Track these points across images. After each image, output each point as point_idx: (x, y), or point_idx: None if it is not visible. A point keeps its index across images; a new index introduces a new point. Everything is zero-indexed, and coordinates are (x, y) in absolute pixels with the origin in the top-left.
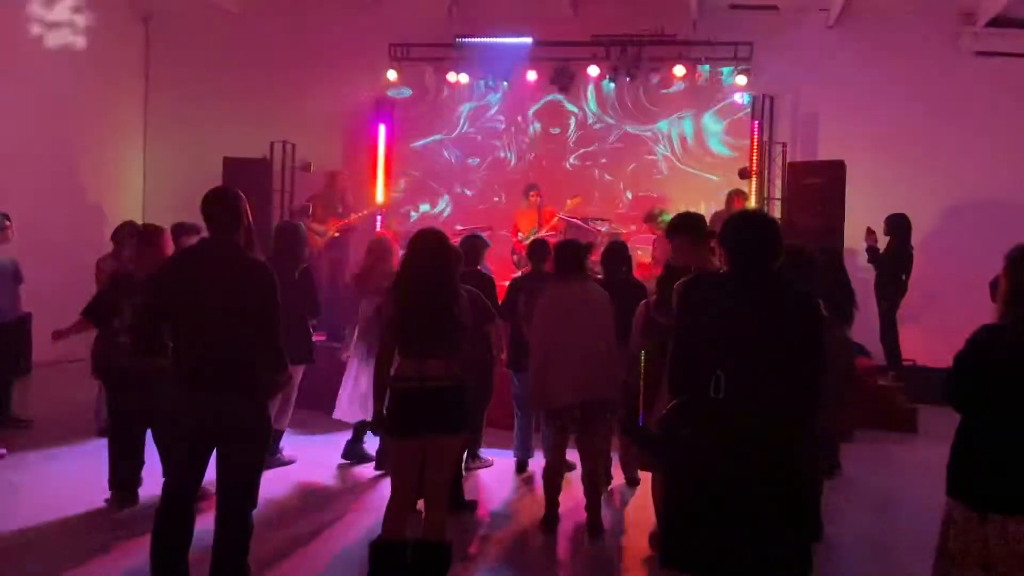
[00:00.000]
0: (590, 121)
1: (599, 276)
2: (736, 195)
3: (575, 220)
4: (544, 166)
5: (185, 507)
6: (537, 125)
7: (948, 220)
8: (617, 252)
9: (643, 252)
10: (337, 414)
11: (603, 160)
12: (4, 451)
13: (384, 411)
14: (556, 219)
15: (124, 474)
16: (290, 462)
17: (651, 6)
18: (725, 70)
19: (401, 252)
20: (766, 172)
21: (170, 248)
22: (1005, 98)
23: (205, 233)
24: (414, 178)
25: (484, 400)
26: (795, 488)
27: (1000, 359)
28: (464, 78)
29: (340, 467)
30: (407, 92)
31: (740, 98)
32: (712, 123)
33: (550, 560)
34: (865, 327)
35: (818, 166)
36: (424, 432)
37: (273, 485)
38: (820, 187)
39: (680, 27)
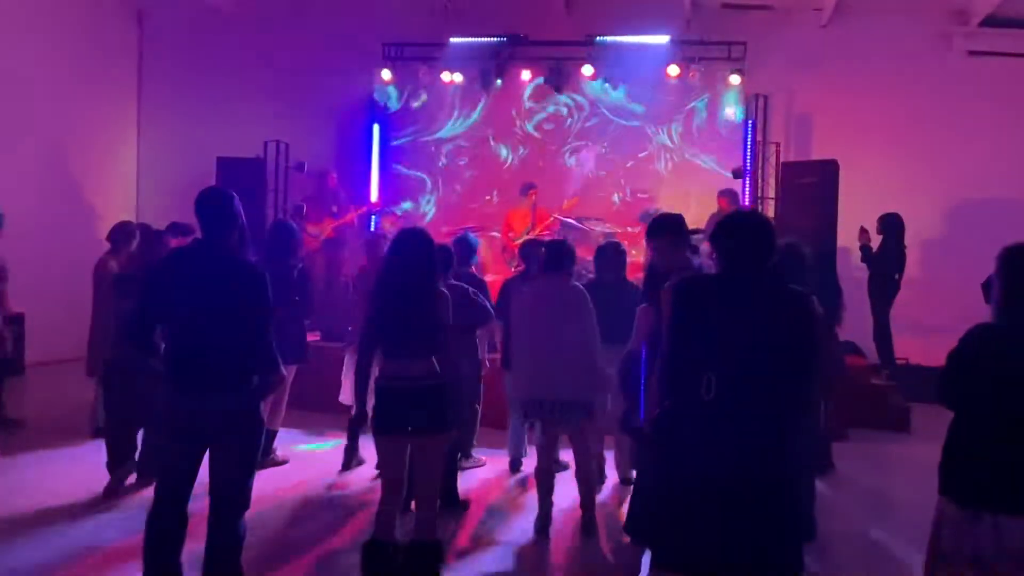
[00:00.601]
0: (583, 121)
1: (591, 276)
2: (724, 195)
3: (569, 220)
4: (539, 166)
5: (177, 508)
6: (530, 125)
7: (941, 219)
8: (609, 252)
9: (636, 252)
10: (344, 397)
11: (597, 159)
12: None
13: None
14: (552, 219)
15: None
16: (283, 462)
17: (645, 5)
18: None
19: None
20: (760, 171)
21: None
22: (997, 97)
23: (199, 233)
24: (405, 177)
25: (475, 400)
26: (787, 488)
27: (993, 359)
28: (458, 77)
29: (332, 468)
30: (393, 102)
31: (732, 112)
32: (706, 123)
33: (543, 559)
34: (858, 326)
35: (811, 165)
36: (407, 431)
37: (266, 485)
38: (813, 186)
39: (674, 26)
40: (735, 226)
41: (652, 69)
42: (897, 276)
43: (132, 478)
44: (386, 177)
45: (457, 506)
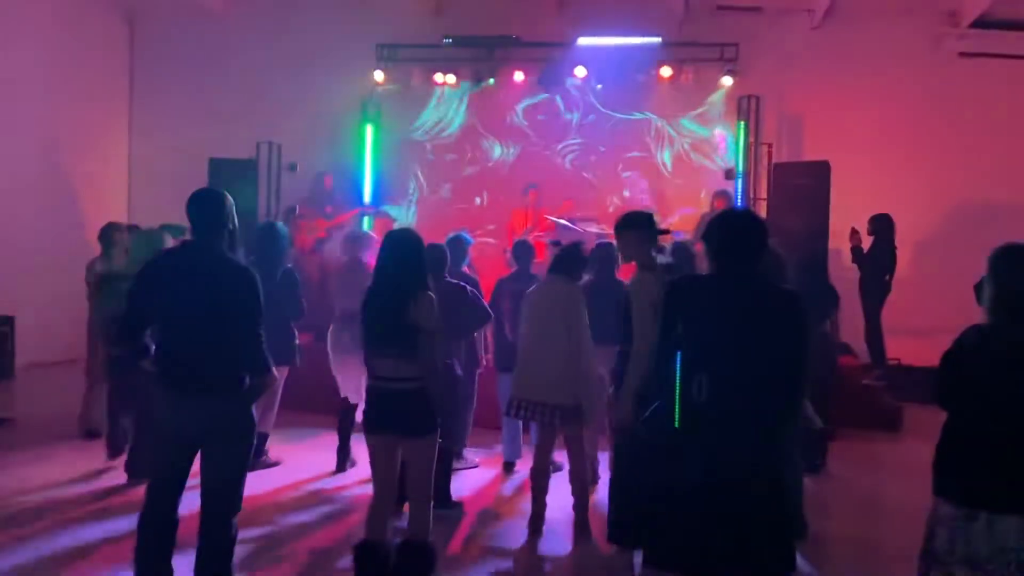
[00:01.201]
0: (576, 122)
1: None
2: (719, 196)
3: (562, 221)
4: (532, 166)
5: (168, 510)
6: (524, 124)
7: (932, 220)
8: (599, 253)
9: None
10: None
11: (592, 159)
12: None
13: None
14: (545, 220)
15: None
16: (275, 464)
17: (637, 7)
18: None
19: None
20: (752, 173)
21: None
22: (988, 98)
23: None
24: (397, 179)
25: (467, 401)
26: (778, 488)
27: (986, 359)
28: (451, 78)
29: (325, 469)
30: (386, 103)
31: (722, 135)
32: (698, 124)
33: (536, 560)
34: (850, 327)
35: (803, 167)
36: (391, 431)
37: (258, 487)
38: (805, 187)
39: (666, 28)
40: (726, 223)
41: (644, 70)
42: (888, 277)
43: (124, 478)
44: (379, 178)
45: (450, 507)
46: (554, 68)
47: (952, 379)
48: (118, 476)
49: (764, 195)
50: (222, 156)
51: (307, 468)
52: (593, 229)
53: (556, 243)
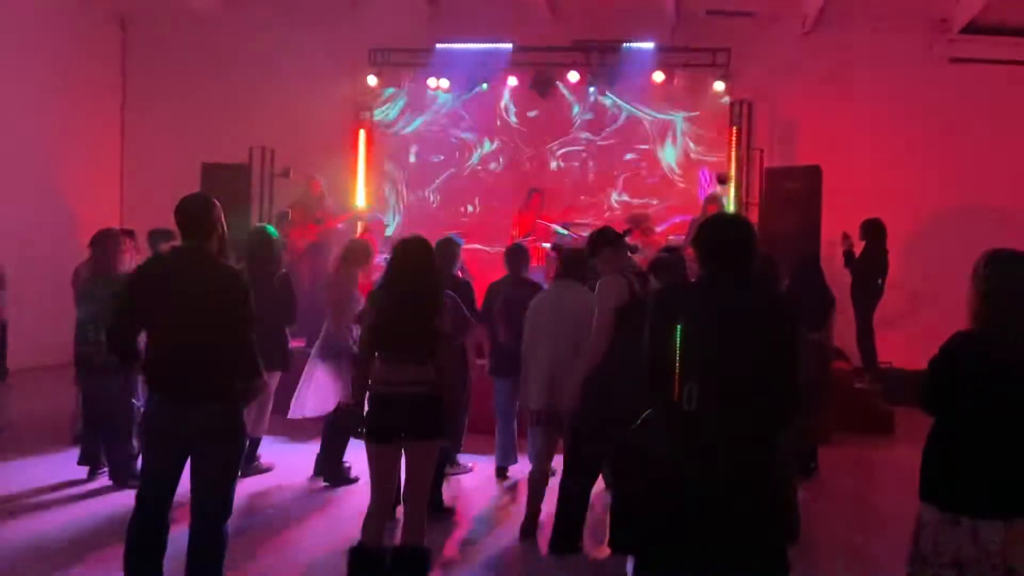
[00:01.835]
0: (570, 127)
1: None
2: (711, 201)
3: (556, 226)
4: (525, 172)
5: (159, 517)
6: (517, 130)
7: (923, 224)
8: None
9: None
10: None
11: (585, 164)
12: None
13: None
14: (538, 224)
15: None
16: (267, 469)
17: (630, 12)
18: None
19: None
20: (744, 177)
21: None
22: (979, 103)
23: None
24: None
25: (462, 406)
26: (769, 494)
27: (973, 365)
28: (444, 83)
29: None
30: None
31: (716, 118)
32: (691, 129)
33: (530, 566)
34: (842, 330)
35: (795, 171)
36: (400, 437)
37: (250, 493)
38: (797, 192)
39: (659, 33)
40: (715, 228)
41: (637, 75)
42: (880, 281)
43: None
44: (372, 183)
45: (442, 512)
46: (547, 73)
47: (942, 385)
48: (108, 479)
49: (756, 200)
50: (215, 161)
51: (299, 473)
52: (586, 234)
53: (556, 248)
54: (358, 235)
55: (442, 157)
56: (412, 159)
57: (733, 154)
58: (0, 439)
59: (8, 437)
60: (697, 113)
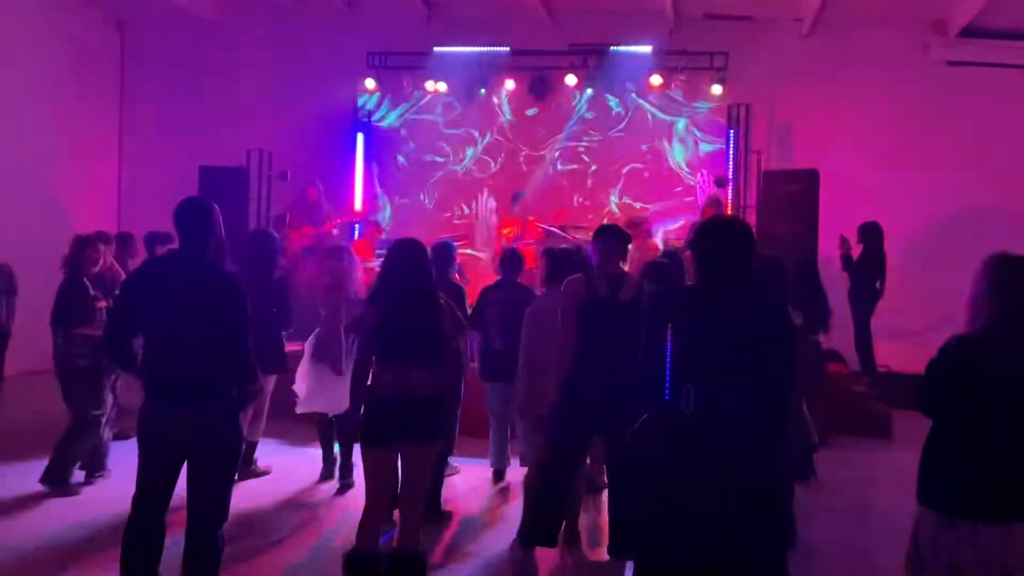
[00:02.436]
0: (568, 130)
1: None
2: (709, 204)
3: (552, 228)
4: (522, 174)
5: (155, 520)
6: (514, 132)
7: (921, 228)
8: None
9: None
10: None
11: (583, 167)
12: None
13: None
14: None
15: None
16: (265, 473)
17: (627, 15)
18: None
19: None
20: (742, 180)
21: None
22: (976, 106)
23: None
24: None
25: (454, 409)
26: (768, 497)
27: (971, 369)
28: (442, 87)
29: (314, 478)
30: (377, 112)
31: (714, 122)
32: (689, 132)
33: (525, 568)
34: (840, 334)
35: (792, 174)
36: (400, 441)
37: (247, 496)
38: (794, 195)
39: (656, 36)
40: (711, 232)
41: (635, 79)
42: (878, 284)
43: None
44: (369, 187)
45: (439, 516)
46: (545, 76)
47: (940, 389)
48: (105, 483)
49: (754, 202)
50: (212, 164)
51: (296, 477)
52: (582, 237)
53: (548, 252)
54: (355, 238)
55: (438, 160)
56: (407, 162)
57: (731, 157)
58: None
59: (5, 441)
60: (695, 116)
